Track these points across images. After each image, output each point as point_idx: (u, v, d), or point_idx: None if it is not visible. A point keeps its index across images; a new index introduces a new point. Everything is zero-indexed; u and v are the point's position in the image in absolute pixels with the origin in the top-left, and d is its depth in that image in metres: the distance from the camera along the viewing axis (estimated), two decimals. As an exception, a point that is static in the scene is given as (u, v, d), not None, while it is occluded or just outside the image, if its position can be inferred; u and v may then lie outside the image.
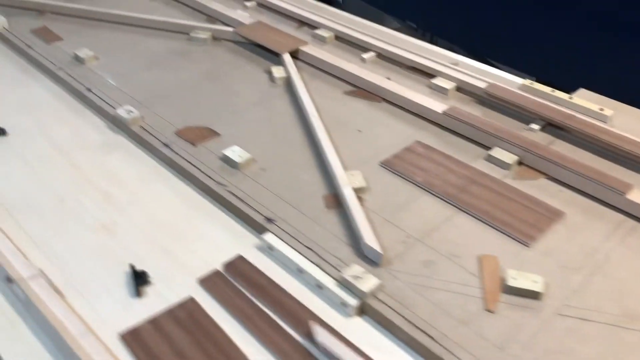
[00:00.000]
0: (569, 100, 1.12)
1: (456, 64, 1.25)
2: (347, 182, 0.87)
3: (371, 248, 0.76)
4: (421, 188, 0.90)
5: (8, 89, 1.16)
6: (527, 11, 1.83)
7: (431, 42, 1.60)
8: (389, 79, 1.19)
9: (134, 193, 0.90)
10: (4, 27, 1.36)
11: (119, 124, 1.04)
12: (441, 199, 0.88)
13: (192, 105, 1.10)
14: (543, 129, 1.06)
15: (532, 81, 1.17)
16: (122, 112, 1.03)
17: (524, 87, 1.16)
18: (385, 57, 1.29)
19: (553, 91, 1.15)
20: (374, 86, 1.15)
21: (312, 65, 1.25)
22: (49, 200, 0.88)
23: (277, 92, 1.16)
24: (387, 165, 0.95)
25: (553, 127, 1.06)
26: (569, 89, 1.18)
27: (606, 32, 1.65)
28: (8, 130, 1.03)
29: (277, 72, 1.19)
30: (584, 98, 1.14)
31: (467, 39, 2.12)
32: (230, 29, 1.34)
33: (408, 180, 0.92)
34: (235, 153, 0.94)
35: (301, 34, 1.39)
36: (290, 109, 1.10)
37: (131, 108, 1.04)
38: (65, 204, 0.87)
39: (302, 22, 1.44)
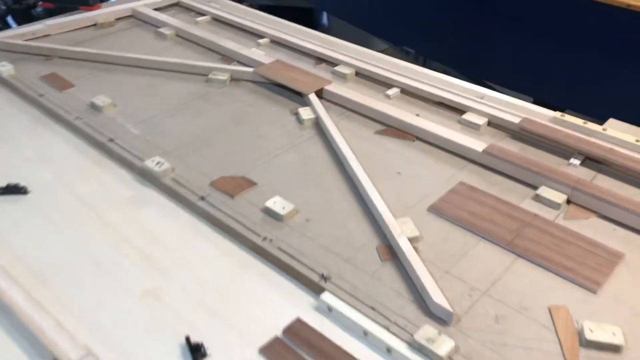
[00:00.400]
0: (603, 132, 1.10)
1: (482, 97, 1.23)
2: (400, 232, 0.83)
3: (441, 307, 0.72)
4: (475, 234, 0.87)
5: (23, 141, 1.10)
6: (524, 32, 1.84)
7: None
8: (417, 115, 1.16)
9: (175, 252, 0.85)
10: (11, 74, 1.30)
11: (147, 177, 0.99)
12: (498, 245, 0.85)
13: (222, 152, 1.06)
14: (582, 164, 1.04)
15: (562, 113, 1.16)
16: (150, 164, 0.98)
17: (555, 120, 1.15)
18: (409, 93, 1.27)
19: (585, 123, 1.13)
20: (406, 124, 1.12)
21: (338, 104, 1.22)
22: (83, 264, 0.82)
23: (306, 134, 1.12)
24: (435, 210, 0.91)
25: (592, 161, 1.05)
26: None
27: (604, 50, 1.66)
28: (29, 187, 0.97)
29: (305, 113, 1.15)
30: (616, 128, 1.12)
31: (461, 61, 2.12)
32: (249, 69, 1.30)
33: (460, 226, 0.89)
34: (278, 204, 0.89)
35: (320, 71, 1.36)
36: (324, 151, 1.06)
37: (160, 159, 0.99)
38: (102, 267, 0.82)
39: (320, 59, 1.41)
